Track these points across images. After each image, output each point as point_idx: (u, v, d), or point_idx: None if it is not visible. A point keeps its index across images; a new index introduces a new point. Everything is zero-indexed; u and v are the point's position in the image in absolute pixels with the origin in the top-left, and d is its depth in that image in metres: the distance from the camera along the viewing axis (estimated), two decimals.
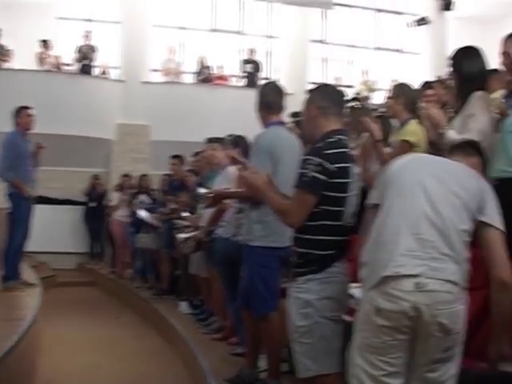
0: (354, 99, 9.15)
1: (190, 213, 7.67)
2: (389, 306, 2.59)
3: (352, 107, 6.27)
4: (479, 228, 2.78)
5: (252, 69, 15.49)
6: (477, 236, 2.78)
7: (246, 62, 15.63)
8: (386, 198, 2.80)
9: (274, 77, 15.35)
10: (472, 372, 3.01)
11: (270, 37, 16.87)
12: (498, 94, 5.04)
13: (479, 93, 4.14)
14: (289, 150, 4.41)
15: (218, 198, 5.29)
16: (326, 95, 3.54)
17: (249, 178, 3.48)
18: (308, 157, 3.29)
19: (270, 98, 4.61)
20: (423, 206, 2.68)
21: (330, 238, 3.29)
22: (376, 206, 2.89)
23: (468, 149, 3.25)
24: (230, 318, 6.01)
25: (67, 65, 14.75)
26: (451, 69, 4.45)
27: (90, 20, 15.52)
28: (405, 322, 2.60)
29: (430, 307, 2.58)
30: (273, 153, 4.38)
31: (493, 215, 2.80)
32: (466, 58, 4.29)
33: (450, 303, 2.61)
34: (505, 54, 3.93)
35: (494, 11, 16.89)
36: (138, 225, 10.45)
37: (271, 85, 4.87)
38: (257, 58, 15.80)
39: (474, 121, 3.99)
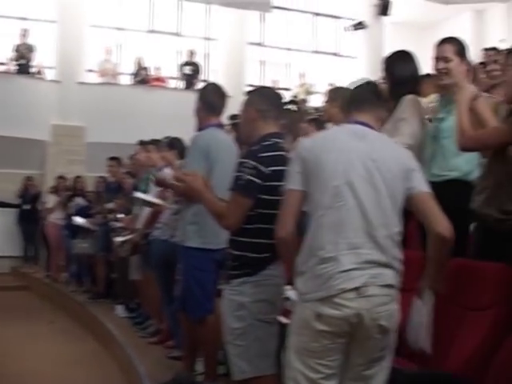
0: (291, 102, 9.23)
1: (126, 215, 7.61)
2: (331, 312, 2.60)
3: (289, 110, 6.31)
4: (409, 200, 2.80)
5: (191, 71, 15.43)
6: (409, 204, 2.81)
7: (186, 63, 15.56)
8: (318, 201, 2.72)
9: (211, 79, 15.29)
10: (403, 371, 3.06)
11: (208, 39, 16.84)
12: (431, 98, 5.15)
13: (410, 96, 4.20)
14: (226, 152, 4.40)
15: (162, 184, 5.32)
16: (265, 98, 3.54)
17: (187, 180, 3.45)
18: (243, 160, 3.30)
19: (212, 100, 4.59)
20: (357, 218, 2.66)
21: (265, 240, 3.28)
22: (300, 192, 2.82)
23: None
24: (167, 321, 5.98)
25: (2, 64, 14.43)
26: (384, 72, 4.52)
27: (25, 18, 15.19)
28: (345, 328, 2.62)
29: (371, 311, 2.61)
30: (209, 154, 4.36)
31: (419, 185, 2.82)
32: (399, 62, 4.35)
33: (387, 305, 2.66)
34: (437, 58, 4.00)
35: (430, 17, 17.26)
36: (74, 229, 10.29)
37: (213, 86, 4.84)
38: (196, 59, 15.75)
39: (405, 124, 4.05)
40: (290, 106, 8.36)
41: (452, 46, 3.99)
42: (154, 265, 5.90)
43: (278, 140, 3.44)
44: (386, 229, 2.69)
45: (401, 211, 2.78)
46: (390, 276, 2.67)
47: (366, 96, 3.03)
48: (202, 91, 4.74)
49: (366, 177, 2.70)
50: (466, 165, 3.92)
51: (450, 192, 3.76)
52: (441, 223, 2.77)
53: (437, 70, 4.04)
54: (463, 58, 3.98)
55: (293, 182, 2.82)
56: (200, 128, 4.64)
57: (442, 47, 4.01)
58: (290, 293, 4.07)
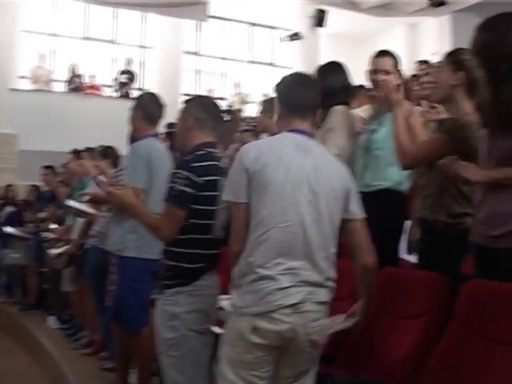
0: (226, 111, 9.25)
1: (58, 225, 7.49)
2: (268, 326, 2.62)
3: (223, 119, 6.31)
4: (344, 222, 2.86)
5: (127, 79, 15.30)
6: (342, 225, 2.87)
7: (122, 72, 15.41)
8: (262, 218, 2.70)
9: (146, 87, 15.19)
10: (336, 378, 3.11)
11: (144, 47, 16.72)
12: (363, 109, 5.23)
13: (340, 107, 4.22)
14: (165, 162, 4.37)
15: (95, 200, 5.23)
16: (203, 107, 3.54)
17: (119, 195, 3.39)
18: (176, 170, 3.28)
19: (151, 109, 4.56)
20: (299, 240, 2.68)
21: (199, 251, 3.29)
22: (248, 205, 2.77)
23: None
24: (100, 333, 5.89)
25: None
26: None
27: None
28: (279, 342, 2.65)
29: (305, 326, 2.66)
30: (151, 164, 4.33)
31: (356, 210, 2.88)
32: (330, 73, 4.38)
33: (319, 320, 2.73)
34: (375, 70, 4.06)
35: (364, 29, 17.52)
36: (5, 239, 10.06)
37: (151, 96, 4.81)
38: (132, 68, 15.62)
39: (334, 135, 4.08)
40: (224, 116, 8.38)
41: (391, 59, 4.09)
42: (88, 274, 5.82)
43: (212, 150, 3.43)
44: (325, 251, 2.75)
45: (337, 231, 2.84)
46: (323, 294, 2.74)
47: (311, 102, 3.00)
48: (140, 100, 4.69)
49: (311, 199, 2.73)
50: (398, 175, 3.99)
51: (382, 201, 3.83)
52: (366, 255, 2.87)
53: (375, 81, 4.07)
54: (398, 71, 4.06)
55: (241, 195, 2.76)
56: (137, 137, 4.60)
57: (382, 60, 4.07)
58: (224, 303, 4.08)
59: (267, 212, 2.69)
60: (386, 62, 4.05)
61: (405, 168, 3.59)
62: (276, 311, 2.62)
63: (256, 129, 5.94)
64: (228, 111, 9.61)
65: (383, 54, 4.10)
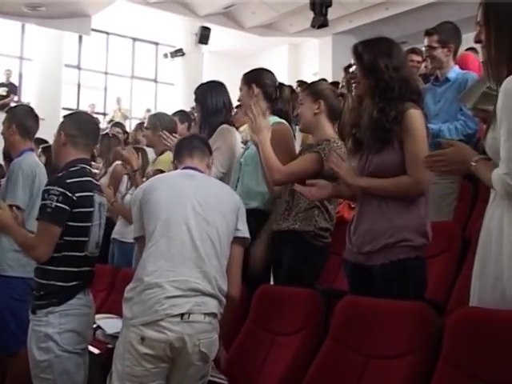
0: (116, 125, 9.14)
1: None
2: (155, 335, 2.63)
3: (103, 135, 6.21)
4: (232, 241, 3.00)
5: (5, 92, 14.78)
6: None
7: (1, 84, 14.87)
8: (151, 233, 2.83)
9: (25, 100, 14.74)
10: None
11: (23, 58, 16.25)
12: (244, 127, 5.27)
13: (223, 126, 4.26)
14: (43, 178, 4.24)
15: None
16: (78, 123, 3.48)
17: None
18: (50, 187, 3.19)
19: (26, 123, 4.40)
20: (187, 249, 2.74)
21: (72, 269, 3.22)
22: (140, 238, 2.97)
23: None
24: None
25: None
26: (196, 102, 4.55)
27: None
28: (168, 352, 2.65)
29: (193, 337, 2.67)
30: (34, 180, 4.21)
31: (244, 230, 3.05)
32: (211, 92, 4.41)
33: (209, 333, 2.75)
34: (240, 89, 4.11)
35: (248, 48, 17.77)
36: None
37: (27, 109, 4.65)
38: (11, 80, 15.11)
39: (219, 155, 4.10)
40: (116, 129, 8.28)
41: (243, 77, 4.16)
42: None
43: (85, 166, 3.38)
44: (216, 261, 2.81)
45: (229, 245, 2.95)
46: (213, 305, 2.77)
47: (196, 145, 3.27)
48: (15, 114, 4.51)
49: (198, 211, 2.81)
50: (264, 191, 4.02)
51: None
52: (232, 286, 2.99)
53: (238, 100, 4.26)
54: (251, 86, 4.09)
55: (138, 231, 2.98)
56: (11, 152, 4.44)
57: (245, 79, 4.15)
58: (102, 322, 4.00)
59: (155, 226, 2.77)
60: (241, 83, 4.15)
61: (276, 184, 3.66)
62: (164, 320, 2.63)
63: (142, 145, 5.91)
64: (118, 124, 9.48)
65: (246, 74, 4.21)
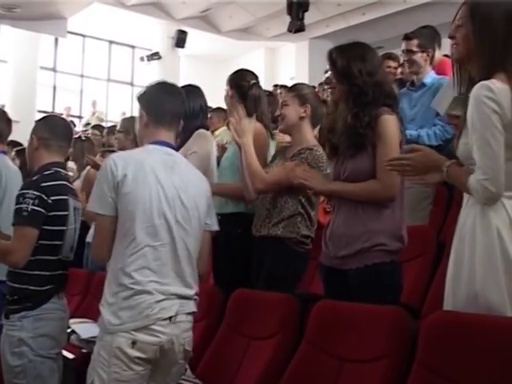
0: (94, 127, 9.09)
1: None
2: (148, 339, 2.60)
3: (77, 139, 6.18)
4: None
5: None
6: None
7: None
8: (130, 232, 2.65)
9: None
10: None
11: None
12: (220, 131, 5.28)
13: (200, 131, 4.25)
14: (15, 181, 4.19)
15: None
16: (50, 127, 3.45)
17: None
18: (25, 191, 3.15)
19: (0, 126, 4.36)
20: (169, 258, 2.69)
21: (47, 272, 3.19)
22: (114, 217, 2.70)
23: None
24: None
25: None
26: None
27: None
28: (157, 354, 2.63)
29: (179, 337, 2.68)
30: (2, 184, 4.15)
31: (211, 223, 3.00)
32: (188, 96, 4.39)
33: (190, 331, 2.77)
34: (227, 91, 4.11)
35: (225, 51, 17.81)
36: None
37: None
38: None
39: (195, 159, 4.08)
40: (94, 132, 8.24)
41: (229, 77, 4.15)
42: None
43: (59, 169, 3.36)
44: (191, 267, 2.78)
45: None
46: (191, 305, 2.78)
47: (176, 112, 2.99)
48: None
49: (181, 217, 2.74)
50: None
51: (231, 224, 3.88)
52: (202, 262, 2.96)
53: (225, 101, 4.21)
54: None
55: (106, 207, 2.68)
56: None
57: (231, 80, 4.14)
58: (76, 326, 3.97)
59: (139, 231, 2.65)
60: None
61: (259, 192, 3.65)
62: (155, 324, 2.61)
63: (113, 149, 5.85)
64: (98, 126, 9.45)
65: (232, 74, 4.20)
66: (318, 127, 3.78)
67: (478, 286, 2.32)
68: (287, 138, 4.26)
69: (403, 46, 4.78)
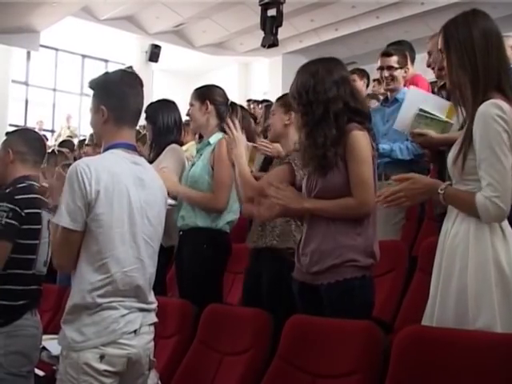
0: (62, 143, 9.01)
1: None
2: (116, 352, 2.54)
3: (50, 153, 6.13)
4: None
5: None
6: None
7: None
8: (97, 257, 2.52)
9: None
10: None
11: None
12: (188, 146, 5.27)
13: (173, 146, 4.26)
14: None
15: None
16: (26, 141, 3.44)
17: None
18: None
19: None
20: (137, 282, 2.62)
21: (19, 287, 3.16)
22: (81, 233, 2.53)
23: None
24: None
25: None
26: (147, 121, 4.50)
27: None
28: (125, 367, 2.57)
29: (144, 348, 2.63)
30: None
31: None
32: (162, 111, 4.39)
33: (152, 342, 2.72)
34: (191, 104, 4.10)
35: (199, 66, 17.83)
36: None
37: None
38: None
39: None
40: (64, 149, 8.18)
41: (194, 92, 4.12)
42: None
43: (33, 182, 3.33)
44: (150, 284, 2.73)
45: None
46: (153, 316, 2.73)
47: (140, 104, 2.77)
48: None
49: (147, 236, 2.66)
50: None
51: (199, 240, 3.88)
52: None
53: (187, 115, 4.21)
54: (204, 102, 4.07)
55: (79, 224, 2.50)
56: None
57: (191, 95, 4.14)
58: (47, 343, 3.91)
59: (110, 257, 2.54)
60: (191, 97, 4.14)
61: (250, 200, 3.64)
62: (121, 338, 2.55)
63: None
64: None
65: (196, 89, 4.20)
66: None
67: (470, 302, 2.34)
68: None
69: (381, 62, 4.78)
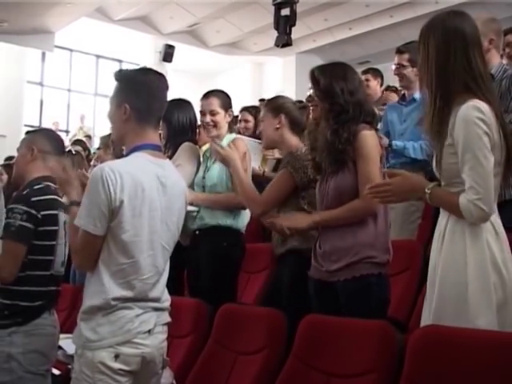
0: (75, 142, 9.05)
1: None
2: (130, 351, 2.55)
3: (67, 153, 6.16)
4: None
5: None
6: None
7: None
8: (117, 261, 2.52)
9: None
10: None
11: None
12: (206, 147, 5.25)
13: (186, 144, 4.24)
14: None
15: None
16: (49, 140, 3.44)
17: None
18: (14, 205, 3.14)
19: None
20: (156, 292, 2.64)
21: (37, 288, 3.17)
22: (102, 237, 2.52)
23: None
24: None
25: None
26: (162, 120, 4.47)
27: None
28: (140, 366, 2.58)
29: (158, 348, 2.65)
30: None
31: None
32: (178, 110, 4.37)
33: (165, 341, 2.72)
34: (203, 112, 4.07)
35: (212, 66, 17.86)
36: None
37: None
38: None
39: (181, 171, 4.07)
40: (77, 148, 8.21)
41: (218, 99, 4.06)
42: None
43: (50, 183, 3.32)
44: (165, 282, 2.72)
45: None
46: (166, 316, 2.74)
47: (164, 106, 2.75)
48: None
49: (165, 242, 2.66)
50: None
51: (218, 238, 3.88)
52: None
53: (204, 123, 4.09)
54: (228, 110, 4.08)
55: (101, 229, 2.48)
56: None
57: (207, 101, 4.06)
58: (63, 342, 3.93)
59: (129, 262, 2.54)
60: (212, 102, 4.06)
61: (260, 216, 3.63)
62: (136, 337, 2.56)
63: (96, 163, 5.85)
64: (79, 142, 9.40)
65: (208, 94, 4.10)
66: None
67: (471, 300, 2.35)
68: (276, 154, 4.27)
69: (395, 59, 4.79)
